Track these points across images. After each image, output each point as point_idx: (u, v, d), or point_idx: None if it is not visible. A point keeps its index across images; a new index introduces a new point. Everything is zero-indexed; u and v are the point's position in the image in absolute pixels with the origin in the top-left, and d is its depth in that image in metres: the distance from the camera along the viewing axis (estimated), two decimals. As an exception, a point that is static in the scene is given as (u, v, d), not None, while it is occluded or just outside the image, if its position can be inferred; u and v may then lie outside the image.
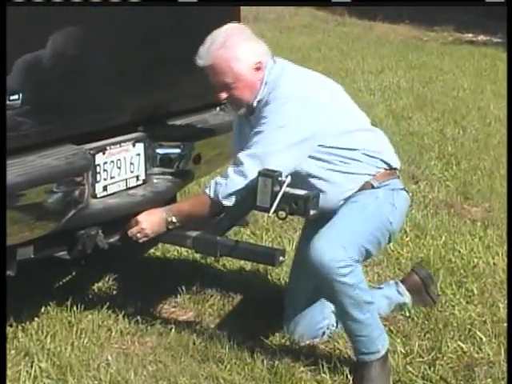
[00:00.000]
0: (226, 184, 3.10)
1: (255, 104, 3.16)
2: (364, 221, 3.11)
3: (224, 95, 3.15)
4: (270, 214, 3.01)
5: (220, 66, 3.09)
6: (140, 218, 3.23)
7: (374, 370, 3.06)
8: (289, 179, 2.98)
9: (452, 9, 14.12)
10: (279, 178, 2.97)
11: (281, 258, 3.14)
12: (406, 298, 3.66)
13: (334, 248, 2.95)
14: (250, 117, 3.22)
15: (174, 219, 3.20)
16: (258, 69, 3.14)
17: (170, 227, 3.22)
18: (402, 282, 3.73)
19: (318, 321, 3.43)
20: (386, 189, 3.19)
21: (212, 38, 3.12)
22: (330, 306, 3.45)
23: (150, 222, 3.22)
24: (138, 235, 3.24)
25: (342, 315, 3.11)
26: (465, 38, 13.12)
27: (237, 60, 3.09)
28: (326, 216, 3.10)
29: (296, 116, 3.07)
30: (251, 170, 3.04)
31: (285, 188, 2.95)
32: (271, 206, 2.97)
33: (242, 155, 3.09)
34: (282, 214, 2.98)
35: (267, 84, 3.14)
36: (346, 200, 3.17)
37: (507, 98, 6.73)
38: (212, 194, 3.12)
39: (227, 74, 3.09)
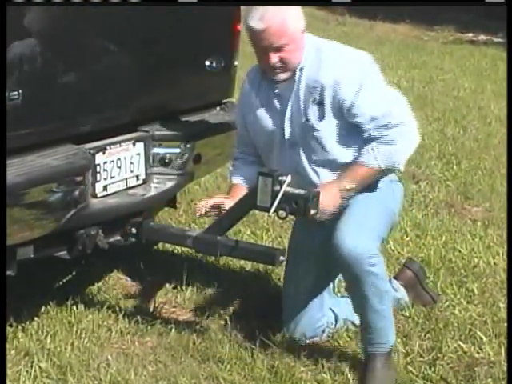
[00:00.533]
0: (396, 152, 3.09)
1: (297, 71, 3.11)
2: (379, 212, 3.18)
3: (276, 59, 3.06)
4: (271, 214, 3.01)
5: (275, 28, 3.02)
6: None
7: (379, 361, 3.11)
8: (289, 178, 2.97)
9: (452, 8, 14.11)
10: (279, 178, 2.97)
11: (281, 258, 3.14)
12: (401, 293, 3.66)
13: (364, 239, 3.02)
14: (277, 86, 3.16)
15: (349, 186, 3.09)
16: (303, 32, 3.12)
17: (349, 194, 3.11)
18: (396, 278, 3.74)
19: (317, 319, 3.43)
20: (386, 180, 3.23)
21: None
22: (329, 304, 3.47)
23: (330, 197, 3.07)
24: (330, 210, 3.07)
25: (362, 306, 3.12)
26: (465, 37, 13.12)
27: (292, 21, 3.06)
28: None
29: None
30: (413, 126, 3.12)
31: (285, 187, 2.95)
32: (271, 205, 2.96)
33: (382, 127, 3.05)
34: (283, 213, 2.98)
35: (309, 52, 3.11)
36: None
37: (507, 98, 6.72)
38: (384, 166, 3.09)
39: (282, 36, 3.03)
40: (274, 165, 3.21)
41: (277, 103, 3.20)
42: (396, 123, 3.07)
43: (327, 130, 3.12)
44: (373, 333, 3.12)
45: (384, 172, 3.13)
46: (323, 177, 3.17)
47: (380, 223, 3.19)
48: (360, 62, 3.15)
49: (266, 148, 3.28)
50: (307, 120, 3.12)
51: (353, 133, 3.12)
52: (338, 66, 3.09)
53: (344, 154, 3.14)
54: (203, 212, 3.27)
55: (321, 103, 3.09)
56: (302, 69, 3.12)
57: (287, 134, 3.18)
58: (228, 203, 3.20)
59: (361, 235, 3.02)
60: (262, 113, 3.25)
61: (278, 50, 3.05)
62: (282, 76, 3.13)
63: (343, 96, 3.06)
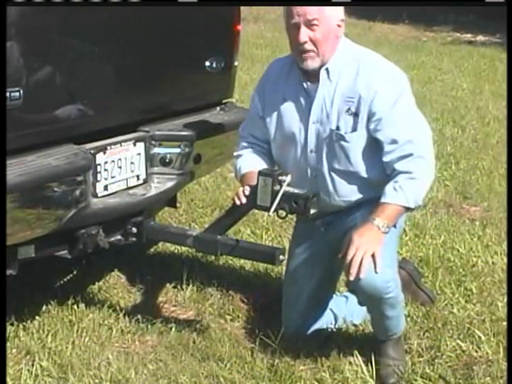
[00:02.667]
0: (419, 189, 3.07)
1: (322, 72, 3.07)
2: (394, 235, 3.17)
3: (305, 36, 3.00)
4: (271, 213, 3.02)
5: (314, 10, 3.00)
6: (356, 242, 2.95)
7: (391, 346, 3.21)
8: (289, 178, 2.99)
9: (451, 9, 14.13)
10: (279, 177, 2.98)
11: (281, 257, 3.15)
12: None
13: (383, 269, 2.97)
14: (307, 85, 3.13)
15: (386, 226, 3.01)
16: (339, 26, 3.08)
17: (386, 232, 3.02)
18: None
19: (317, 319, 3.45)
20: None
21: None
22: (327, 304, 3.48)
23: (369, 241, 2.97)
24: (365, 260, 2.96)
25: (377, 316, 3.18)
26: (464, 38, 13.13)
27: (329, 9, 3.03)
28: (329, 216, 3.12)
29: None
30: (431, 154, 3.10)
31: (285, 187, 2.96)
32: (271, 205, 2.97)
33: (407, 158, 3.02)
34: (282, 213, 2.99)
35: (339, 58, 3.08)
36: (356, 206, 3.17)
37: (506, 98, 6.74)
38: (412, 205, 3.05)
39: (317, 11, 2.99)
40: (288, 162, 3.20)
41: (303, 101, 3.15)
42: (419, 155, 3.04)
43: (356, 142, 3.08)
44: (385, 328, 3.20)
45: (408, 210, 3.11)
46: (339, 187, 3.15)
47: (395, 246, 3.23)
48: (398, 79, 3.13)
49: (284, 144, 3.23)
50: (337, 128, 3.08)
51: (379, 150, 3.09)
52: (379, 78, 3.05)
53: (366, 169, 3.11)
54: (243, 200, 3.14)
55: (356, 114, 3.05)
56: (327, 70, 3.08)
57: (311, 137, 3.14)
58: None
59: (381, 265, 3.01)
60: (286, 107, 3.20)
61: (310, 26, 3.00)
62: (310, 63, 3.06)
63: (376, 109, 3.03)
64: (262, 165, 3.23)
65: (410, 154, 3.03)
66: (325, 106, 3.10)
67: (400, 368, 3.18)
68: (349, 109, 3.06)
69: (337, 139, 3.09)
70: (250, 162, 3.28)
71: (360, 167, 3.11)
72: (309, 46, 3.03)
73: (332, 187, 3.16)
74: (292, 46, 3.11)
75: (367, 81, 3.04)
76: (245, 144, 3.36)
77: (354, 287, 3.07)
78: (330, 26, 3.04)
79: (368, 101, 3.03)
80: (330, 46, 3.06)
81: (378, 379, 3.16)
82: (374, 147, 3.09)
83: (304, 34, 3.01)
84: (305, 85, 3.14)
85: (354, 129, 3.07)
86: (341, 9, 3.10)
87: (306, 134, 3.15)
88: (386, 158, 3.07)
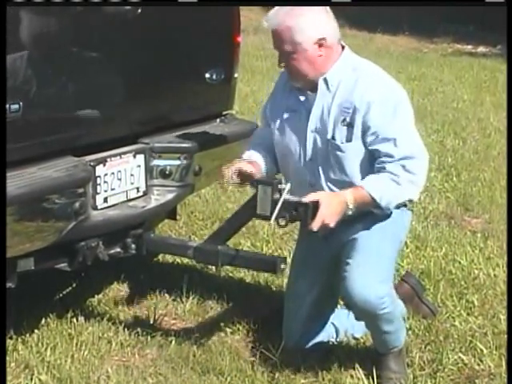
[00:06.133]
0: (396, 195, 3.05)
1: (320, 82, 3.08)
2: (390, 248, 3.19)
3: (282, 64, 3.06)
4: (271, 222, 3.01)
5: (282, 33, 3.01)
6: (324, 211, 2.92)
7: (392, 359, 3.21)
8: (288, 186, 2.98)
9: (452, 21, 14.16)
10: (279, 186, 2.97)
11: (282, 266, 3.14)
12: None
13: (376, 284, 3.03)
14: (308, 94, 3.13)
15: (351, 206, 3.00)
16: (320, 45, 3.04)
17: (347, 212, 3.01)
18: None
19: (318, 332, 3.43)
20: (397, 209, 3.18)
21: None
22: (328, 318, 3.46)
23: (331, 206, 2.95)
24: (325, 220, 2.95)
25: (374, 331, 3.21)
26: (464, 49, 13.15)
27: (299, 30, 3.00)
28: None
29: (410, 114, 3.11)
30: (422, 175, 3.07)
31: (284, 195, 2.95)
32: (271, 213, 2.96)
33: (399, 164, 3.01)
34: (283, 221, 2.98)
35: (339, 68, 3.07)
36: (356, 217, 3.13)
37: (507, 110, 6.74)
38: (383, 204, 3.03)
39: (287, 43, 3.01)
40: (290, 172, 3.21)
41: (303, 110, 3.16)
42: (410, 169, 3.02)
43: (351, 152, 3.06)
44: (384, 342, 3.20)
45: (376, 207, 3.06)
46: None
47: (392, 261, 3.23)
48: (395, 93, 3.09)
49: (285, 152, 3.24)
50: (333, 138, 3.08)
51: (374, 161, 3.07)
52: (374, 91, 3.03)
53: (361, 179, 3.08)
54: (230, 180, 3.17)
55: (350, 125, 3.04)
56: (325, 80, 3.07)
57: (309, 146, 3.14)
58: (249, 168, 3.14)
59: (374, 281, 3.03)
60: (288, 116, 3.21)
61: (284, 55, 3.04)
62: (296, 84, 3.11)
63: (370, 122, 3.01)
64: (262, 161, 3.24)
65: (403, 166, 3.02)
66: (322, 116, 3.10)
67: (401, 381, 3.17)
68: (344, 119, 3.06)
69: (332, 149, 3.09)
70: (254, 154, 3.29)
71: (355, 178, 3.09)
72: (287, 71, 3.10)
73: None
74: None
75: (363, 92, 3.02)
76: (253, 146, 3.37)
77: (349, 303, 3.10)
78: (306, 52, 3.02)
79: (362, 112, 3.02)
80: (312, 66, 3.05)
81: (379, 393, 3.15)
82: (368, 158, 3.08)
83: (281, 61, 3.08)
84: (304, 94, 3.14)
85: (349, 139, 3.06)
86: (319, 27, 3.03)
87: (304, 142, 3.15)
88: (378, 165, 3.06)
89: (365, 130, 3.03)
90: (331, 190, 3.12)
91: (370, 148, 3.04)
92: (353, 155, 3.07)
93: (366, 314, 3.07)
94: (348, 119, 3.05)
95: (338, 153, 3.08)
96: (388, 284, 3.13)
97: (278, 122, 3.23)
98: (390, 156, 3.02)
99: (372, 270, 3.06)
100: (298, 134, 3.17)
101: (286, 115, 3.21)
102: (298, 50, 3.02)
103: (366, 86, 3.03)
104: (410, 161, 3.02)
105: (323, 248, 3.27)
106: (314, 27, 3.02)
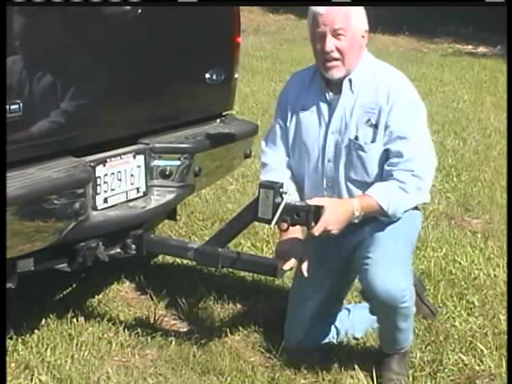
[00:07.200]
0: (403, 203, 3.08)
1: (345, 83, 3.10)
2: (404, 248, 3.20)
3: (332, 45, 3.03)
4: (272, 226, 3.00)
5: (338, 12, 3.02)
6: (327, 218, 2.95)
7: (397, 360, 3.22)
8: (289, 190, 2.97)
9: (452, 21, 14.16)
10: (280, 190, 2.97)
11: (282, 269, 3.14)
12: None
13: (399, 277, 3.06)
14: (329, 95, 3.15)
15: (358, 214, 3.03)
16: (363, 37, 3.10)
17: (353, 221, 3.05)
18: None
19: (319, 333, 3.42)
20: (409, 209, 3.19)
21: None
22: (332, 320, 3.46)
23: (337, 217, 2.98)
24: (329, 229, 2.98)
25: (388, 327, 3.19)
26: (464, 49, 13.15)
27: (355, 16, 3.06)
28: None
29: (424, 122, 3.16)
30: (429, 180, 3.11)
31: (286, 199, 2.95)
32: (273, 217, 2.96)
33: (406, 170, 3.03)
34: (284, 225, 2.98)
35: (362, 69, 3.11)
36: (371, 220, 3.13)
37: (507, 110, 6.73)
38: (390, 212, 3.06)
39: (343, 20, 3.02)
40: (305, 172, 3.21)
41: (325, 111, 3.17)
42: (418, 174, 3.05)
43: (374, 153, 3.09)
44: (394, 341, 3.21)
45: (383, 214, 3.08)
46: (355, 196, 3.14)
47: (408, 258, 3.26)
48: (415, 95, 3.15)
49: (302, 153, 3.23)
50: (356, 138, 3.10)
51: None
52: (397, 90, 3.08)
53: (381, 180, 3.10)
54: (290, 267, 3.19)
55: (376, 126, 3.08)
56: (350, 80, 3.10)
57: (329, 147, 3.15)
58: (295, 245, 3.16)
59: (395, 276, 3.04)
60: (306, 117, 3.21)
61: (336, 34, 3.03)
62: (335, 72, 3.09)
63: (392, 120, 3.05)
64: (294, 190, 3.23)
65: (412, 170, 3.04)
66: (344, 117, 3.12)
67: (402, 383, 3.17)
68: (368, 120, 3.09)
69: (355, 149, 3.11)
70: (290, 185, 3.21)
71: (376, 178, 3.12)
72: (335, 54, 3.06)
73: (348, 197, 3.15)
74: (317, 56, 3.13)
75: (387, 93, 3.07)
76: (270, 164, 3.33)
77: (370, 295, 3.09)
78: (356, 36, 3.07)
79: (386, 111, 3.06)
80: (354, 56, 3.09)
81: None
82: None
83: (330, 43, 3.04)
84: (327, 95, 3.16)
85: (373, 140, 3.09)
86: (365, 19, 3.11)
87: (324, 143, 3.17)
88: (388, 167, 3.09)
89: (385, 128, 3.07)
90: (350, 190, 3.15)
91: (385, 145, 3.07)
92: (375, 155, 3.10)
93: (386, 306, 3.04)
94: (373, 120, 3.08)
95: (361, 153, 3.10)
96: (409, 279, 3.14)
97: (295, 123, 3.24)
98: (400, 155, 3.04)
99: (393, 264, 3.07)
100: (318, 135, 3.18)
101: (303, 116, 3.22)
102: (353, 33, 3.05)
103: (390, 87, 3.08)
104: (418, 163, 3.05)
105: (332, 249, 3.26)
106: (364, 19, 3.11)
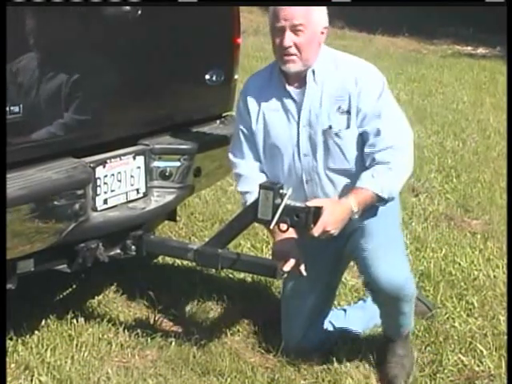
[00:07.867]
0: (395, 182, 3.10)
1: (309, 75, 3.10)
2: (396, 231, 3.30)
3: (290, 41, 3.03)
4: (271, 227, 3.01)
5: (298, 9, 3.02)
6: (326, 219, 2.94)
7: (401, 344, 3.30)
8: (290, 191, 2.98)
9: (451, 22, 14.16)
10: (280, 191, 2.97)
11: (282, 270, 3.14)
12: None
13: (401, 264, 3.17)
14: (293, 90, 3.14)
15: (356, 210, 3.03)
16: (322, 33, 3.11)
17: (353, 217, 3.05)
18: None
19: (317, 332, 3.43)
20: None
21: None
22: (330, 320, 3.47)
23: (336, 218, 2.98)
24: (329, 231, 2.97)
25: (392, 313, 3.25)
26: (464, 50, 13.15)
27: (315, 12, 3.06)
28: None
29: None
30: (411, 149, 3.14)
31: (286, 200, 2.95)
32: (272, 218, 2.96)
33: (386, 149, 3.06)
34: (284, 226, 2.98)
35: (322, 60, 3.12)
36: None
37: (507, 111, 6.74)
38: (385, 195, 3.06)
39: (302, 16, 3.02)
40: (283, 171, 3.20)
41: (291, 107, 3.16)
42: (398, 147, 3.07)
43: (350, 138, 3.11)
44: (398, 325, 3.27)
45: (380, 201, 3.09)
46: (338, 184, 3.16)
47: (402, 242, 3.37)
48: (379, 75, 3.16)
49: (274, 153, 3.22)
50: (330, 127, 3.10)
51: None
52: (364, 74, 3.11)
53: (360, 164, 3.12)
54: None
55: (348, 112, 3.10)
56: (313, 72, 3.11)
57: (303, 141, 3.15)
58: (292, 245, 3.16)
59: (397, 265, 3.12)
60: (272, 117, 3.20)
61: (295, 30, 3.03)
62: (292, 66, 3.09)
63: (362, 103, 3.07)
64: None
65: (391, 146, 3.06)
66: (313, 108, 3.12)
67: (408, 364, 3.26)
68: (339, 107, 3.10)
69: (331, 138, 3.11)
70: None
71: (355, 163, 3.14)
72: (292, 50, 3.06)
73: (332, 187, 3.16)
74: (275, 49, 3.14)
75: (355, 77, 3.08)
76: (241, 171, 3.30)
77: (375, 287, 3.13)
78: (315, 32, 3.07)
79: (356, 96, 3.07)
80: (312, 51, 3.09)
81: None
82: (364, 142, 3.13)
83: (289, 38, 3.04)
84: (291, 91, 3.15)
85: (348, 126, 3.10)
86: (325, 16, 3.12)
87: (297, 138, 3.16)
88: (367, 150, 3.10)
89: (357, 112, 3.08)
90: (331, 180, 3.16)
91: (361, 128, 3.09)
92: (351, 141, 3.12)
93: (391, 295, 3.10)
94: (344, 107, 3.09)
95: (338, 141, 3.11)
96: (407, 264, 3.26)
97: (262, 125, 3.22)
98: (378, 133, 3.06)
99: (391, 251, 3.13)
100: (289, 131, 3.17)
101: (269, 116, 3.20)
102: (312, 29, 3.05)
103: (356, 73, 3.10)
104: (395, 138, 3.08)
105: (323, 245, 3.26)
106: (324, 15, 3.11)
